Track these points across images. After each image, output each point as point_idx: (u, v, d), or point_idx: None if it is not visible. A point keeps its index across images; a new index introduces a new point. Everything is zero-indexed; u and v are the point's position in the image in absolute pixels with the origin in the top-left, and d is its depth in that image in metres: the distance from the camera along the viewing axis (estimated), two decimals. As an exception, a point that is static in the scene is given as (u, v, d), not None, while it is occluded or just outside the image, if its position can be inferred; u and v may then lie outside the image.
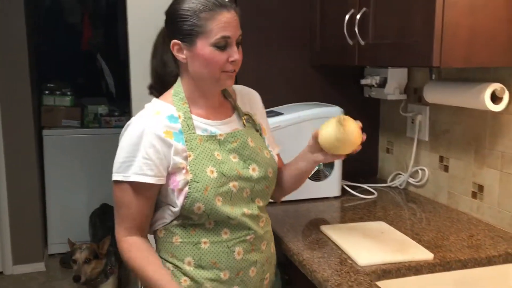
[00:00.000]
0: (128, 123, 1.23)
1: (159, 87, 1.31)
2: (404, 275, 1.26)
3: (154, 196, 1.23)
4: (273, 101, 1.88)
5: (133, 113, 2.17)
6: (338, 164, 1.85)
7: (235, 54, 1.21)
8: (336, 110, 1.82)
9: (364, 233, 1.44)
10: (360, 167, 2.17)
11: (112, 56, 4.24)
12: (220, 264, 1.22)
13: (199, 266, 1.22)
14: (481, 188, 1.61)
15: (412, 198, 1.88)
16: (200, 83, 1.25)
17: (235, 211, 1.23)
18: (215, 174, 1.20)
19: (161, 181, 1.20)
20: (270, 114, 1.75)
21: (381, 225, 1.50)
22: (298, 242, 1.42)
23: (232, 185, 1.22)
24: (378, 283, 1.20)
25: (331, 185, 1.85)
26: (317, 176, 1.83)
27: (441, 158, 1.80)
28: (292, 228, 1.53)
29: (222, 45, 1.19)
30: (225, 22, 1.18)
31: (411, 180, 1.95)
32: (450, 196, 1.75)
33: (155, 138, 1.18)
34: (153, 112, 1.23)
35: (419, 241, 1.40)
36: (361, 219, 1.62)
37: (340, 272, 1.22)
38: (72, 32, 4.30)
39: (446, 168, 1.77)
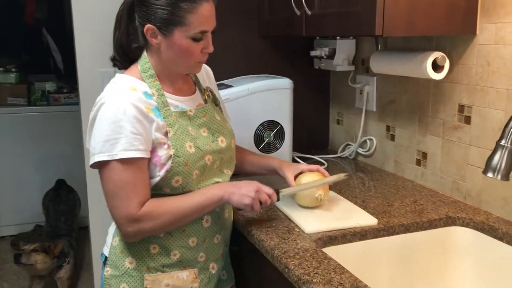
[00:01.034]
0: (100, 102, 1.18)
1: (122, 59, 1.28)
2: (349, 241, 1.29)
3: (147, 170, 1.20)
4: (223, 73, 1.86)
5: (80, 89, 2.11)
6: (288, 136, 1.86)
7: (211, 46, 1.23)
8: (285, 82, 1.82)
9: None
10: (312, 139, 2.20)
11: (58, 31, 4.08)
12: (189, 231, 1.26)
13: (168, 234, 1.24)
14: (424, 155, 1.66)
15: (361, 168, 1.92)
16: (170, 66, 1.24)
17: (208, 182, 1.27)
18: (193, 149, 1.22)
19: (149, 155, 1.18)
20: (220, 87, 1.73)
21: (329, 194, 1.52)
22: (248, 213, 1.43)
23: (207, 158, 1.25)
24: (324, 249, 1.23)
25: (282, 157, 1.86)
26: (268, 148, 1.84)
27: (388, 128, 1.84)
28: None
29: (199, 38, 1.19)
30: (205, 17, 1.18)
31: (360, 150, 1.99)
32: (397, 164, 1.80)
33: (139, 113, 1.16)
34: (128, 88, 1.20)
35: (365, 208, 1.44)
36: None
37: (287, 240, 1.24)
38: (15, 6, 4.10)
39: (392, 137, 1.81)
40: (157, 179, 1.19)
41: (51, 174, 3.49)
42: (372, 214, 1.39)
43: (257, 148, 1.81)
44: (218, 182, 1.29)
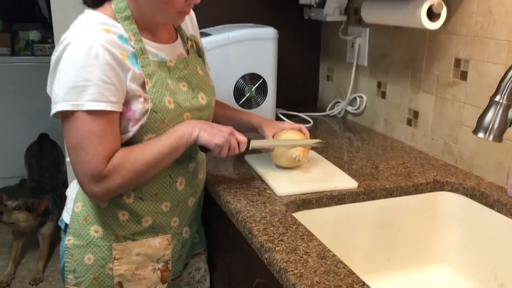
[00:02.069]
0: (66, 41, 1.01)
1: None
2: (325, 205, 1.18)
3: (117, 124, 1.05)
4: (204, 22, 1.70)
5: (56, 40, 1.96)
6: (272, 91, 1.72)
7: None
8: (269, 31, 1.67)
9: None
10: (300, 95, 2.06)
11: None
12: (162, 195, 1.14)
13: (139, 198, 1.12)
14: (416, 114, 1.52)
15: (349, 127, 1.80)
16: (148, 13, 1.08)
17: None
18: (172, 105, 1.08)
19: (121, 108, 1.04)
20: (197, 35, 1.59)
21: (310, 155, 1.40)
22: (218, 172, 1.32)
23: (185, 116, 1.12)
24: (296, 214, 1.12)
25: (264, 114, 1.73)
26: (249, 104, 1.71)
27: (379, 84, 1.70)
28: (214, 158, 1.42)
29: None
30: None
31: (349, 108, 1.86)
32: (387, 124, 1.67)
33: (113, 59, 1.00)
34: (100, 28, 1.03)
35: (346, 170, 1.32)
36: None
37: (256, 203, 1.13)
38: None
39: (383, 95, 1.68)
40: (129, 134, 1.06)
41: (36, 127, 3.37)
42: (354, 176, 1.28)
43: (237, 103, 1.68)
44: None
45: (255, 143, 1.20)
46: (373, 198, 1.22)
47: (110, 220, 1.12)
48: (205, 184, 1.28)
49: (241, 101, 1.69)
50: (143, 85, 1.05)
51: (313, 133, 1.71)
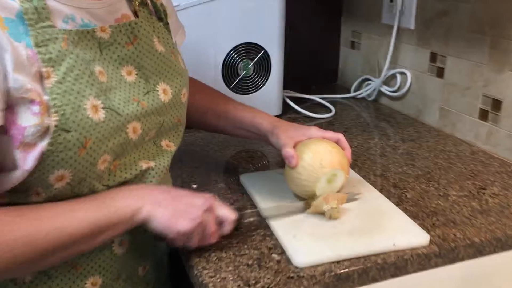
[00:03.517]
0: None
1: None
2: (373, 280, 0.68)
3: None
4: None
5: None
6: (277, 68, 1.20)
7: None
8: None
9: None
10: (313, 70, 1.54)
11: None
12: (85, 266, 0.68)
13: (43, 276, 0.64)
14: (496, 104, 1.01)
15: (386, 116, 1.28)
16: None
17: (126, 174, 0.66)
18: (102, 113, 0.58)
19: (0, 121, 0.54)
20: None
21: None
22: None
23: (131, 128, 0.62)
24: (327, 303, 0.63)
25: (267, 98, 1.22)
26: (245, 87, 1.19)
27: (434, 56, 1.17)
28: (192, 181, 0.92)
29: None
30: None
31: (385, 89, 1.34)
32: (444, 115, 1.16)
33: None
34: None
35: (399, 202, 0.82)
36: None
37: (256, 285, 0.63)
38: None
39: (440, 72, 1.15)
40: (17, 174, 0.56)
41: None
42: (415, 217, 0.78)
43: (227, 86, 1.17)
44: (147, 171, 0.68)
45: (270, 212, 0.72)
46: (453, 261, 0.73)
47: None
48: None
49: (233, 84, 1.17)
50: (40, 79, 0.54)
51: (336, 127, 1.20)
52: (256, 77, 1.19)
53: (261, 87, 1.20)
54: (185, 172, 0.94)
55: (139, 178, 0.67)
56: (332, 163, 0.76)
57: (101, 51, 0.61)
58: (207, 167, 0.97)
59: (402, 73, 1.28)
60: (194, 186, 0.90)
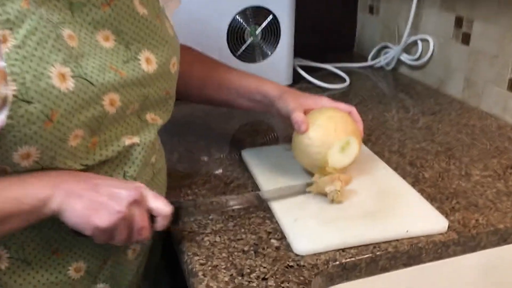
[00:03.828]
0: None
1: None
2: (384, 270, 0.61)
3: None
4: None
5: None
6: (287, 35, 1.11)
7: None
8: None
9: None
10: (327, 36, 1.44)
11: None
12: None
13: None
14: (529, 74, 0.91)
15: (405, 87, 1.19)
16: None
17: (107, 152, 0.59)
18: (71, 83, 0.51)
19: None
20: None
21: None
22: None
23: (108, 101, 0.55)
24: (331, 294, 0.57)
25: (277, 67, 1.14)
26: (251, 56, 1.11)
27: (459, 21, 1.07)
28: (189, 157, 0.85)
29: None
30: None
31: (405, 58, 1.24)
32: (470, 86, 1.06)
33: None
34: None
35: (415, 183, 0.75)
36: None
37: (249, 275, 0.57)
38: None
39: (466, 38, 1.05)
40: None
41: None
42: (433, 200, 0.70)
43: (233, 54, 1.09)
44: (132, 147, 0.61)
45: (268, 194, 0.63)
46: (474, 250, 0.65)
47: None
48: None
49: (239, 52, 1.09)
50: None
51: (351, 98, 1.11)
52: (264, 44, 1.10)
53: (270, 55, 1.12)
54: (183, 145, 0.88)
55: (123, 155, 0.61)
56: (346, 130, 0.69)
57: (72, 13, 0.54)
58: (207, 141, 0.90)
59: (424, 40, 1.18)
60: (205, 158, 0.83)
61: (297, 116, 0.70)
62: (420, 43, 1.19)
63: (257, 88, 0.78)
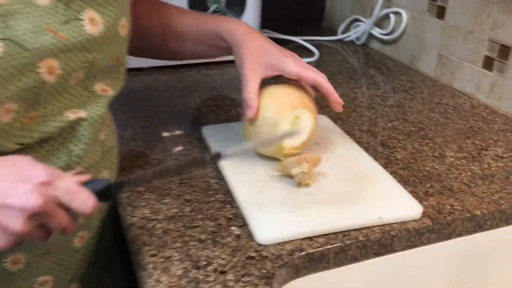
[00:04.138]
0: None
1: None
2: (354, 260, 0.56)
3: None
4: None
5: None
6: (253, 3, 1.03)
7: None
8: None
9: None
10: (296, 8, 1.37)
11: None
12: None
13: None
14: (504, 51, 0.87)
15: (376, 63, 1.14)
16: None
17: (50, 128, 0.51)
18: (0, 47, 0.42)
19: None
20: None
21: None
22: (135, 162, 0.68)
23: (46, 68, 0.47)
24: (295, 285, 0.51)
25: (241, 40, 1.06)
26: (216, 23, 1.03)
27: (434, -6, 1.02)
28: (144, 134, 0.78)
29: None
30: None
31: (376, 32, 1.18)
32: (443, 63, 1.01)
33: None
34: None
35: (386, 164, 0.70)
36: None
37: (205, 268, 0.51)
38: None
39: (440, 12, 1.00)
40: None
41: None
42: (404, 182, 0.66)
43: (195, 22, 1.00)
44: (78, 123, 0.53)
45: (229, 151, 0.54)
46: (449, 237, 0.61)
47: None
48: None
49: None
50: None
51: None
52: (228, 12, 1.03)
53: (235, 24, 1.04)
54: (139, 121, 0.80)
55: (68, 131, 0.53)
56: (294, 104, 0.62)
57: None
58: (165, 117, 0.82)
59: (396, 13, 1.12)
60: (162, 135, 0.75)
61: (247, 98, 0.62)
62: (392, 17, 1.13)
63: (214, 30, 0.68)
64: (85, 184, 0.46)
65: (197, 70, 1.02)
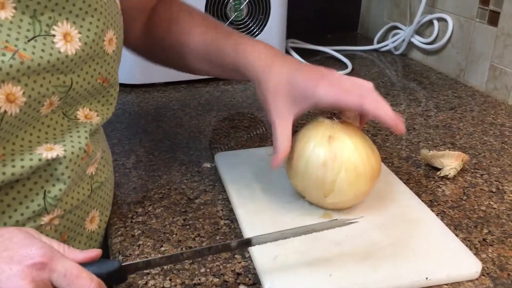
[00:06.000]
0: None
1: None
2: (393, 331, 0.45)
3: None
4: None
5: None
6: (279, 11, 0.93)
7: None
8: None
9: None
10: (327, 15, 1.26)
11: None
12: None
13: None
14: None
15: (417, 75, 1.01)
16: None
17: (8, 169, 0.42)
18: None
19: None
20: None
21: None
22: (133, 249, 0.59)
23: (4, 96, 0.38)
24: None
25: (265, 51, 0.96)
26: (236, 34, 0.93)
27: (485, -3, 0.89)
28: (148, 161, 0.68)
29: None
30: None
31: (417, 40, 1.06)
32: (495, 76, 0.88)
33: None
34: None
35: (434, 200, 0.58)
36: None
37: None
38: None
39: (493, 18, 0.87)
40: None
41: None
42: (456, 226, 0.53)
43: (213, 33, 0.91)
44: (56, 161, 0.44)
45: (259, 239, 0.44)
46: (515, 300, 0.48)
47: None
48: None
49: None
50: None
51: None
52: (251, 21, 0.93)
53: (257, 34, 0.94)
54: (144, 146, 0.71)
55: (44, 169, 0.44)
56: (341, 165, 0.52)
57: None
58: (174, 141, 0.73)
59: (441, 19, 1.00)
60: (168, 163, 0.66)
61: (278, 145, 0.51)
62: (436, 23, 1.00)
63: (233, 64, 0.56)
64: (90, 264, 0.39)
65: (215, 86, 0.92)
